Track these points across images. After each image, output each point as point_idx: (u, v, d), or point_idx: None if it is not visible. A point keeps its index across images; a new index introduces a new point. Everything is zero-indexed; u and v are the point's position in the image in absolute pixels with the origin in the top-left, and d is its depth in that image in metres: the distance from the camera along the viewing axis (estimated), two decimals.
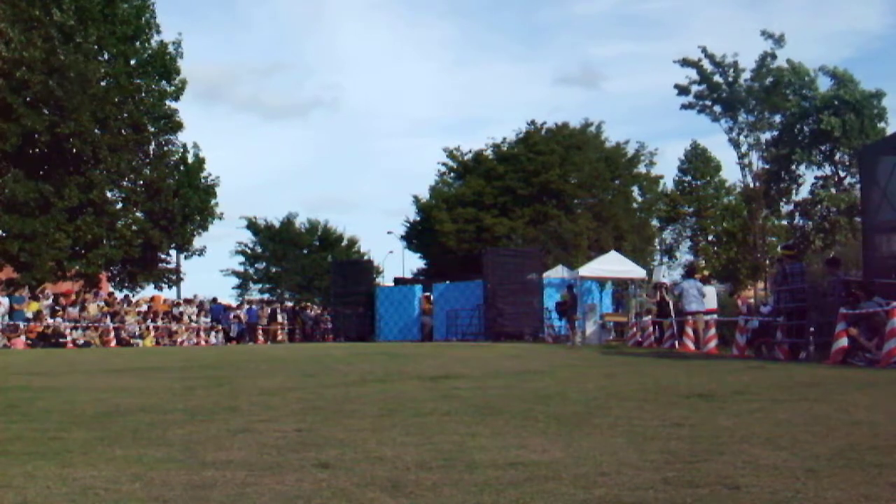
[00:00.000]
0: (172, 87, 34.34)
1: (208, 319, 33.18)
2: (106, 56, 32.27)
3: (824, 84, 39.08)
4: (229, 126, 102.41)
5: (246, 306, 37.33)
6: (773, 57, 38.84)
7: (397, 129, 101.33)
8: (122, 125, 32.32)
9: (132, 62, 32.78)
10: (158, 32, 33.94)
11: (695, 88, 40.02)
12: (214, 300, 35.34)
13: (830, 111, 37.33)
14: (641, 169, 44.73)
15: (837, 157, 38.78)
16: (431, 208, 44.97)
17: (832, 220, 37.26)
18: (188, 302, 34.58)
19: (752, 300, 24.86)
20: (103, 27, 31.39)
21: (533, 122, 45.20)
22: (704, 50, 39.47)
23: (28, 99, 29.30)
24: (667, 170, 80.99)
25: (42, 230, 29.51)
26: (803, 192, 40.78)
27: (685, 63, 39.47)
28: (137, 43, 33.24)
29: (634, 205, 44.71)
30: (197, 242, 37.37)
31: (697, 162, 47.28)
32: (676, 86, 40.16)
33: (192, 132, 47.33)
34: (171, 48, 33.92)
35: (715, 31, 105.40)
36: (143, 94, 33.36)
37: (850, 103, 37.00)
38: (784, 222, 42.06)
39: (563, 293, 27.15)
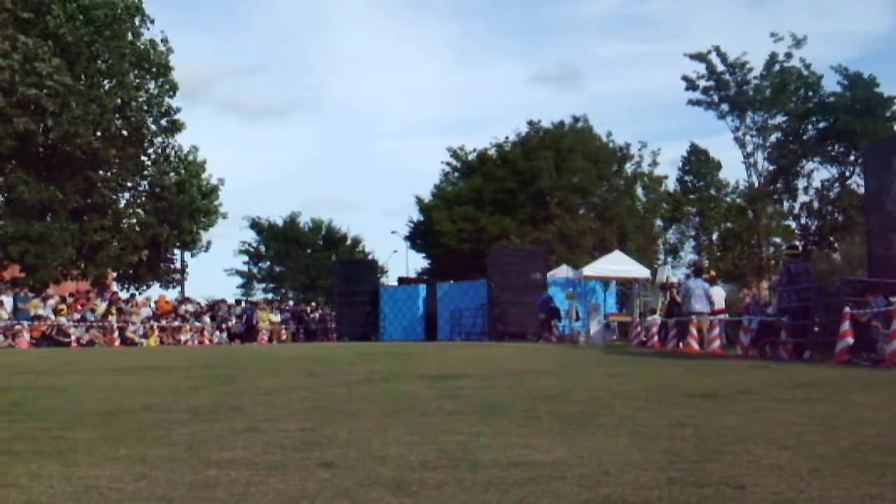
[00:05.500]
0: (168, 86, 34.19)
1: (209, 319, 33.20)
2: (106, 57, 32.20)
3: (831, 83, 38.94)
4: (224, 125, 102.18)
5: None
6: (789, 56, 38.70)
7: (400, 129, 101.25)
8: (123, 127, 32.32)
9: (126, 65, 32.61)
10: (153, 22, 33.73)
11: (702, 83, 39.83)
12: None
13: (845, 112, 37.08)
14: (644, 168, 44.72)
15: (852, 157, 38.46)
16: (432, 208, 45.03)
17: (849, 216, 36.84)
18: (187, 301, 34.66)
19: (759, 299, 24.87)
20: (86, 28, 31.14)
21: (531, 122, 45.28)
22: (717, 49, 39.32)
23: (19, 100, 29.15)
24: (666, 170, 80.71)
25: (47, 233, 29.57)
26: (811, 192, 40.57)
27: (695, 58, 39.29)
28: (140, 43, 33.18)
29: (638, 205, 44.67)
30: (203, 238, 37.63)
31: (698, 163, 47.17)
32: (684, 77, 39.92)
33: (191, 131, 47.73)
34: (160, 46, 33.71)
35: (715, 32, 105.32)
36: (142, 93, 33.29)
37: (868, 104, 36.74)
38: (792, 223, 41.85)
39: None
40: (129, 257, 32.99)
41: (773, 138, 40.36)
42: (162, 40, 33.62)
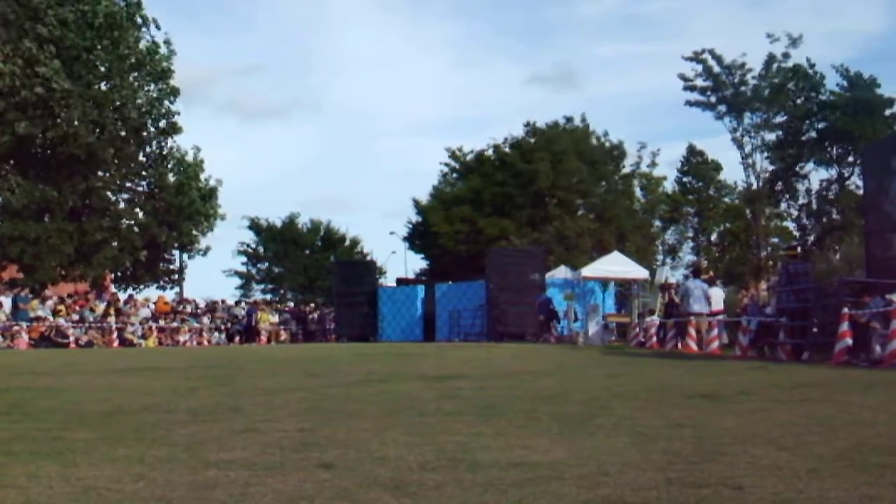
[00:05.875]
0: (169, 89, 34.09)
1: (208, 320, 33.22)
2: (105, 59, 32.09)
3: (830, 83, 38.92)
4: (224, 126, 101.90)
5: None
6: (787, 56, 38.68)
7: (400, 129, 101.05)
8: (121, 127, 32.27)
9: (126, 67, 32.47)
10: (158, 27, 33.64)
11: (700, 83, 39.80)
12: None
13: (844, 112, 37.04)
14: (643, 168, 44.68)
15: (851, 157, 38.39)
16: (429, 210, 45.05)
17: (849, 216, 36.76)
18: (185, 301, 34.69)
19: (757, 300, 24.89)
20: (84, 32, 31.05)
21: (528, 123, 45.31)
22: (712, 52, 39.30)
23: (18, 103, 29.04)
24: (664, 170, 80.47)
25: (44, 234, 29.54)
26: (811, 193, 40.55)
27: (692, 59, 39.26)
28: (141, 43, 33.08)
29: (637, 206, 44.65)
30: (202, 242, 37.59)
31: (696, 164, 47.19)
32: (681, 75, 39.85)
33: (190, 132, 47.30)
34: (162, 48, 33.56)
35: (715, 33, 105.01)
36: (141, 94, 33.22)
37: (867, 104, 36.71)
38: (790, 224, 41.85)
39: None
40: (127, 258, 32.98)
41: (773, 136, 40.35)
42: (165, 42, 33.59)
